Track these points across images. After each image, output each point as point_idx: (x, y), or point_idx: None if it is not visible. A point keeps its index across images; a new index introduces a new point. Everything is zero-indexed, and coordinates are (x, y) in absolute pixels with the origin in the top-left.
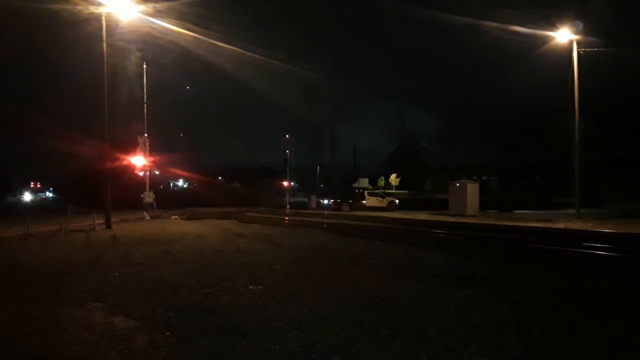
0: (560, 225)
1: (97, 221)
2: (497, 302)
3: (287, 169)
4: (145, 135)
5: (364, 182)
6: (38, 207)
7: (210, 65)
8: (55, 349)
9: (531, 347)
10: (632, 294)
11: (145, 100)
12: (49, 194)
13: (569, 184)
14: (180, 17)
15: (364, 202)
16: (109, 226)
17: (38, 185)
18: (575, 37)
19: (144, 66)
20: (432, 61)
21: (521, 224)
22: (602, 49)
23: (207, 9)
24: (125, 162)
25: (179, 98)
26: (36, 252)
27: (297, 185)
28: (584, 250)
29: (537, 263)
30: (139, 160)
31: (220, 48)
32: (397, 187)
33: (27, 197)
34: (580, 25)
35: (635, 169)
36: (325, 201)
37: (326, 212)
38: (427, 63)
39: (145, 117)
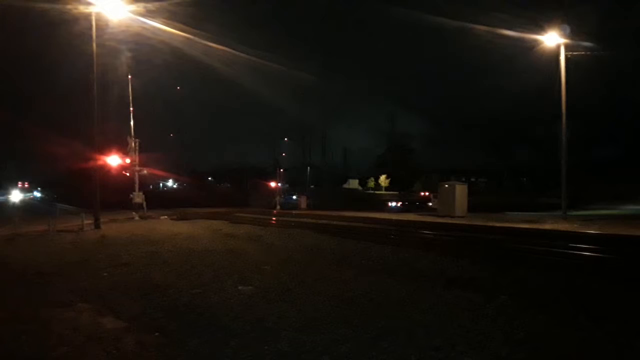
0: (548, 227)
1: (85, 221)
2: (484, 302)
3: (277, 170)
4: (134, 136)
5: (354, 183)
6: (27, 207)
7: (201, 65)
8: (42, 350)
9: (518, 346)
10: (617, 293)
11: (131, 107)
12: (37, 194)
13: (556, 186)
14: (171, 17)
15: (430, 204)
16: (97, 226)
17: (26, 185)
18: (563, 40)
19: (129, 77)
20: (422, 64)
21: (509, 225)
22: (589, 52)
23: (198, 9)
24: (114, 163)
25: (170, 98)
26: (24, 252)
27: (287, 185)
28: (571, 251)
29: (525, 263)
30: (128, 161)
31: (211, 48)
32: (386, 188)
33: (16, 196)
34: (568, 29)
35: (622, 171)
36: (393, 204)
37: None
38: (417, 65)
39: (132, 125)
